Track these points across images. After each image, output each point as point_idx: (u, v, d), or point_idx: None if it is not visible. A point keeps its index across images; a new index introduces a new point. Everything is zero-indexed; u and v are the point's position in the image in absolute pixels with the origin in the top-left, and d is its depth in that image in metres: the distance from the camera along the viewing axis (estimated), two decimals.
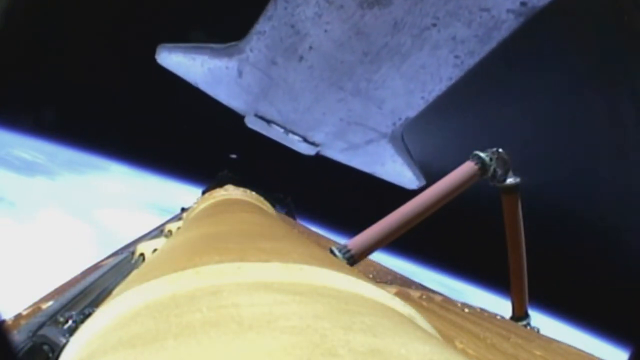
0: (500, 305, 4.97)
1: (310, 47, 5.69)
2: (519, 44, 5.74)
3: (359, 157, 7.24)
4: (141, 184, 13.30)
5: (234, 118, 8.41)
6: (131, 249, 2.98)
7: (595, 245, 7.67)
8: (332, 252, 3.56)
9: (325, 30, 5.47)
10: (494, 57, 5.44)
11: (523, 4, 4.79)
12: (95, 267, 3.44)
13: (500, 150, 4.27)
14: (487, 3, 4.89)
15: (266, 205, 4.58)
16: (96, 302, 1.88)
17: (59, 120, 10.16)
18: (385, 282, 4.59)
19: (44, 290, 3.37)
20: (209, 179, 7.58)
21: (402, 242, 4.00)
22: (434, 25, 5.15)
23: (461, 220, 7.01)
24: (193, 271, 1.05)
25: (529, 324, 4.68)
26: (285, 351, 0.66)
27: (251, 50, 6.09)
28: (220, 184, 6.11)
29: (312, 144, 7.12)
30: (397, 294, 1.24)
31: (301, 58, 5.85)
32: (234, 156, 9.16)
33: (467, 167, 4.16)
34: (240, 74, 6.41)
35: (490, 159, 4.20)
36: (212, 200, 4.15)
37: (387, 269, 5.79)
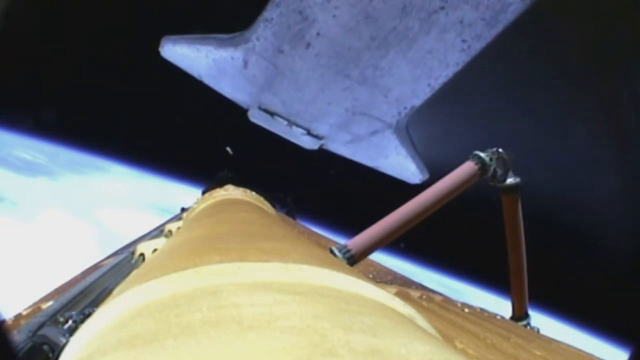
0: (501, 305, 4.98)
1: (318, 34, 5.66)
2: (520, 40, 5.77)
3: (362, 150, 7.18)
4: (142, 184, 13.34)
5: (234, 118, 8.42)
6: (131, 249, 2.98)
7: (595, 244, 7.68)
8: (332, 252, 3.56)
9: (334, 16, 5.43)
10: (496, 50, 5.46)
11: None
12: (95, 267, 3.44)
13: (500, 150, 4.27)
14: None
15: (266, 205, 4.57)
16: (96, 302, 1.88)
17: (59, 121, 10.16)
18: (385, 282, 4.59)
19: (44, 290, 3.38)
20: (209, 179, 7.58)
21: (402, 242, 4.00)
22: (442, 8, 5.13)
23: (461, 220, 7.00)
24: (193, 271, 1.05)
25: (529, 324, 4.68)
26: (285, 351, 0.66)
27: (257, 39, 6.05)
28: (220, 184, 6.10)
29: (316, 137, 7.06)
30: (397, 294, 1.24)
31: (308, 45, 5.82)
32: (229, 150, 9.14)
33: (467, 167, 4.16)
34: (245, 64, 6.38)
35: (490, 159, 4.20)
36: (212, 200, 4.15)
37: (387, 269, 5.79)
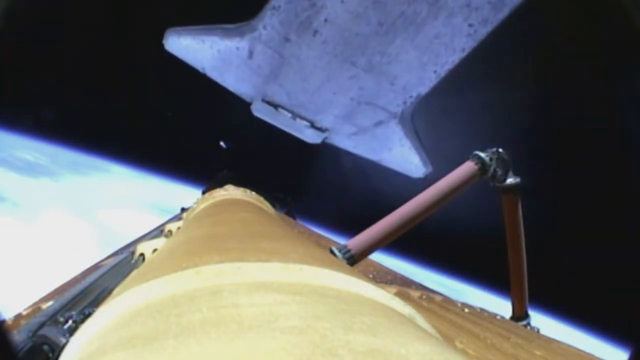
0: (501, 306, 4.98)
1: (326, 20, 5.66)
2: (523, 36, 5.77)
3: (366, 142, 7.15)
4: (142, 184, 13.39)
5: (235, 119, 8.42)
6: (131, 249, 2.98)
7: (594, 244, 7.67)
8: (332, 252, 3.56)
9: (342, 1, 5.44)
10: (497, 42, 5.48)
11: None
12: (95, 267, 3.43)
13: (500, 150, 4.26)
14: None
15: (266, 205, 4.57)
16: (96, 302, 1.88)
17: (60, 122, 10.18)
18: (385, 282, 4.59)
19: (44, 290, 3.38)
20: (209, 179, 7.57)
21: (402, 242, 3.99)
22: None
23: (461, 221, 7.00)
24: (193, 271, 1.05)
25: (529, 324, 4.68)
26: (286, 351, 0.66)
27: (264, 28, 6.04)
28: (220, 184, 6.09)
29: (319, 129, 7.03)
30: (397, 294, 1.24)
31: (315, 32, 5.81)
32: (223, 145, 9.12)
33: (467, 167, 4.15)
34: (251, 54, 6.36)
35: (490, 159, 4.19)
36: (212, 200, 4.15)
37: (387, 269, 5.79)
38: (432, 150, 7.17)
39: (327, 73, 6.24)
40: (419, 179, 7.25)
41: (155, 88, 9.05)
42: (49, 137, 11.79)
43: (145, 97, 9.27)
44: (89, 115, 10.03)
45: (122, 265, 2.69)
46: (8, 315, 2.60)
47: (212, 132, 9.68)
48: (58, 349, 1.31)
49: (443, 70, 5.96)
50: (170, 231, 3.42)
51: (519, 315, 4.69)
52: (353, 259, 3.60)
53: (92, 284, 2.18)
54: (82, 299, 1.94)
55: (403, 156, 7.14)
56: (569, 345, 3.52)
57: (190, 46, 6.63)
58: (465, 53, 5.73)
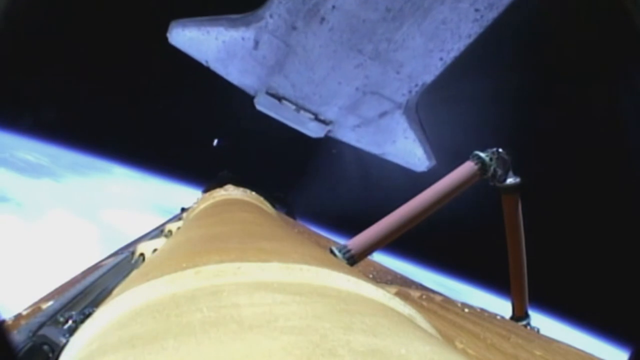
0: (501, 306, 4.97)
1: (333, 7, 5.64)
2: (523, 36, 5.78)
3: (370, 135, 7.11)
4: (144, 185, 13.44)
5: (235, 119, 8.42)
6: (131, 249, 2.98)
7: (594, 244, 7.67)
8: (332, 252, 3.56)
9: None
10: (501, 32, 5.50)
11: None
12: (95, 267, 3.43)
13: (500, 150, 4.26)
14: None
15: (266, 205, 4.57)
16: (96, 302, 1.87)
17: (61, 123, 10.19)
18: (385, 282, 4.59)
19: (45, 290, 3.38)
20: (209, 179, 7.57)
21: (402, 242, 3.99)
22: None
23: (461, 221, 6.99)
24: (193, 271, 1.05)
25: (529, 324, 4.67)
26: (286, 351, 0.66)
27: (271, 16, 6.01)
28: (220, 183, 6.09)
29: (323, 122, 7.00)
30: (397, 294, 1.24)
31: (323, 19, 5.78)
32: (216, 142, 9.11)
33: (467, 167, 4.15)
34: (256, 44, 6.32)
35: (490, 159, 4.19)
36: (212, 200, 4.15)
37: (387, 269, 5.79)
38: (435, 143, 7.14)
39: (333, 62, 6.23)
40: (420, 178, 7.23)
41: (156, 89, 9.05)
42: (49, 138, 11.83)
43: (145, 98, 9.28)
44: (90, 116, 10.04)
45: (122, 265, 2.69)
46: (8, 315, 2.60)
47: (212, 132, 9.68)
48: (58, 349, 1.31)
49: (449, 58, 5.96)
50: (170, 231, 3.42)
51: (519, 315, 4.68)
52: (353, 259, 3.60)
53: (92, 284, 2.18)
54: (82, 299, 1.95)
55: (406, 149, 7.11)
56: (569, 345, 3.51)
57: (194, 38, 6.59)
58: (471, 39, 5.73)
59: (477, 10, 5.43)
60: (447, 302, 3.84)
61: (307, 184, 8.94)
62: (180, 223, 3.69)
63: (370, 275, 4.59)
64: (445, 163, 7.04)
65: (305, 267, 1.10)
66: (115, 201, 14.32)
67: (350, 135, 7.26)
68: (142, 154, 11.34)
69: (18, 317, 2.58)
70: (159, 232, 3.91)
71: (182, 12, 6.93)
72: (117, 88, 9.12)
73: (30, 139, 11.97)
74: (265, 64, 6.53)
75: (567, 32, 6.33)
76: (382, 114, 6.78)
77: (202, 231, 2.14)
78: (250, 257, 1.15)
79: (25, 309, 2.76)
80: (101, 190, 14.23)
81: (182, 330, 0.77)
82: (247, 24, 6.26)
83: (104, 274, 2.43)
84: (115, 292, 1.30)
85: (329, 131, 7.18)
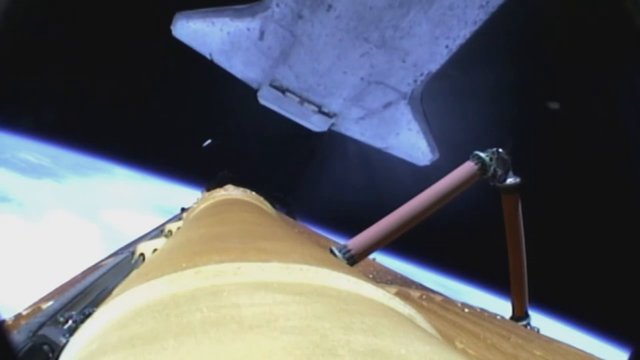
0: (501, 305, 4.97)
1: None
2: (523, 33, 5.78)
3: (373, 127, 7.08)
4: (145, 186, 13.49)
5: (234, 121, 8.41)
6: (131, 249, 2.98)
7: (595, 244, 7.68)
8: (332, 252, 3.56)
9: None
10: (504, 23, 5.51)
11: None
12: (95, 267, 3.43)
13: (500, 150, 4.26)
14: None
15: (266, 205, 4.57)
16: (96, 302, 1.87)
17: (62, 124, 10.20)
18: (385, 282, 4.59)
19: (45, 290, 3.38)
20: (209, 179, 7.57)
21: (402, 242, 3.99)
22: None
23: (461, 221, 6.99)
24: (193, 271, 1.05)
25: (529, 324, 4.67)
26: (286, 351, 0.66)
27: (277, 5, 6.00)
28: (220, 183, 6.09)
29: (327, 115, 6.98)
30: (397, 294, 1.24)
31: (329, 7, 5.78)
32: (207, 143, 9.09)
33: (467, 167, 4.15)
34: (262, 34, 6.31)
35: (490, 159, 4.19)
36: (212, 200, 4.15)
37: (387, 269, 5.78)
38: (438, 136, 7.12)
39: (338, 51, 6.23)
40: (420, 179, 7.21)
41: (157, 89, 9.05)
42: (50, 139, 11.86)
43: (145, 98, 9.27)
44: (90, 116, 10.04)
45: (122, 265, 2.69)
46: (8, 315, 2.60)
47: (212, 133, 9.68)
48: (58, 349, 1.31)
49: (454, 45, 5.97)
50: (170, 231, 3.42)
51: (519, 315, 4.68)
52: (353, 259, 3.60)
53: (92, 284, 2.18)
54: (82, 299, 1.94)
55: (410, 142, 7.09)
56: (569, 345, 3.51)
57: (199, 30, 6.56)
58: (477, 26, 5.75)
59: None
60: (447, 302, 3.84)
61: (307, 184, 8.95)
62: (180, 223, 3.69)
63: (370, 275, 4.59)
64: (447, 157, 7.04)
65: (305, 267, 1.10)
66: (116, 201, 14.37)
67: (353, 128, 7.23)
68: (143, 154, 11.36)
69: (18, 317, 2.58)
70: (159, 232, 3.90)
71: (184, 7, 6.90)
72: (117, 89, 9.12)
73: (31, 140, 12.02)
74: (270, 55, 6.52)
75: (567, 32, 6.33)
76: (387, 105, 6.77)
77: (202, 231, 2.14)
78: (250, 257, 1.15)
79: (25, 309, 2.76)
80: (102, 190, 14.29)
81: (182, 330, 0.77)
82: (253, 14, 6.25)
83: (104, 274, 2.43)
84: (115, 292, 1.30)
85: (333, 124, 7.16)
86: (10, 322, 2.38)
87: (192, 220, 3.36)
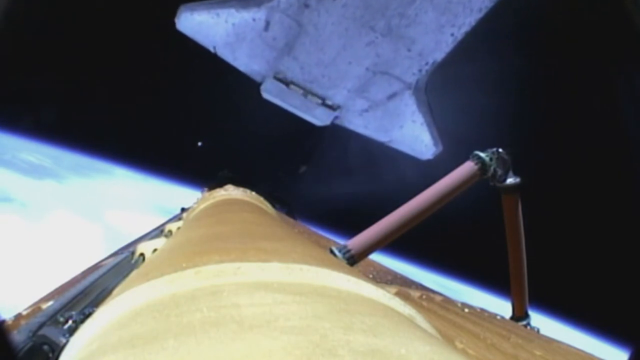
0: (501, 306, 4.97)
1: None
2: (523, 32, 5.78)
3: (377, 120, 7.06)
4: (146, 186, 13.55)
5: (235, 121, 8.41)
6: (131, 249, 2.98)
7: (595, 244, 7.68)
8: (332, 252, 3.56)
9: None
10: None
11: None
12: (95, 267, 3.43)
13: (500, 150, 4.26)
14: None
15: (266, 205, 4.57)
16: (96, 302, 1.87)
17: (63, 124, 10.21)
18: (385, 282, 4.59)
19: (46, 290, 3.39)
20: (209, 179, 7.57)
21: (402, 242, 3.99)
22: None
23: (461, 221, 6.98)
24: (193, 271, 1.05)
25: (529, 324, 4.67)
26: (286, 351, 0.66)
27: None
28: (220, 183, 6.09)
29: (331, 107, 6.96)
30: (397, 294, 1.24)
31: None
32: (200, 144, 9.09)
33: (467, 167, 4.15)
34: (267, 25, 6.30)
35: (490, 159, 4.19)
36: (212, 200, 4.15)
37: (387, 269, 5.79)
38: (441, 129, 7.11)
39: (344, 40, 6.23)
40: (421, 178, 7.19)
41: (157, 90, 9.05)
42: (50, 140, 11.91)
43: (145, 99, 9.28)
44: (90, 117, 10.05)
45: (122, 265, 2.69)
46: (8, 315, 2.60)
47: (212, 133, 9.69)
48: (58, 349, 1.31)
49: (460, 33, 5.99)
50: (170, 231, 3.42)
51: (519, 315, 4.68)
52: (353, 259, 3.60)
53: (92, 284, 2.18)
54: (82, 299, 1.94)
55: (413, 134, 7.08)
56: (569, 345, 3.52)
57: (203, 22, 6.53)
58: (482, 13, 5.77)
59: None
60: (447, 302, 3.84)
61: (307, 184, 8.95)
62: (180, 223, 3.69)
63: (370, 275, 4.59)
64: (450, 152, 7.04)
65: (305, 267, 1.10)
66: (117, 202, 14.44)
67: (357, 121, 7.21)
68: (142, 155, 11.38)
69: (18, 317, 2.59)
70: (159, 232, 3.91)
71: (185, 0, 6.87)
72: (117, 89, 9.13)
73: (31, 141, 12.07)
74: (275, 46, 6.52)
75: (567, 32, 6.33)
76: (391, 96, 6.77)
77: (202, 231, 2.14)
78: (250, 257, 1.15)
79: (25, 309, 2.76)
80: (103, 191, 14.37)
81: (182, 330, 0.77)
82: (258, 4, 6.25)
83: (104, 274, 2.43)
84: (115, 292, 1.30)
85: (336, 118, 7.15)
86: (10, 322, 2.38)
87: (192, 220, 3.36)
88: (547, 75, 7.03)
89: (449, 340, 2.36)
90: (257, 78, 6.99)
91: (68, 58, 8.68)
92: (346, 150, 8.23)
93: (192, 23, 6.60)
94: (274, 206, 5.25)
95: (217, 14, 6.47)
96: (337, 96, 6.90)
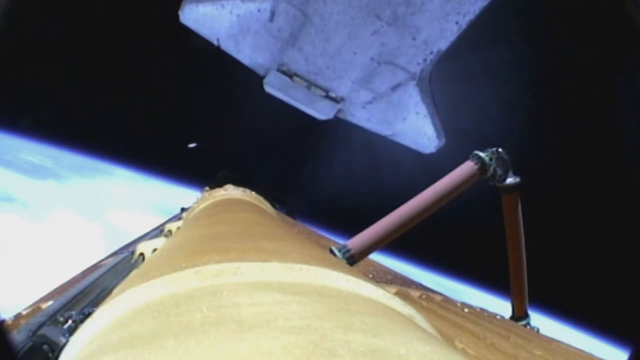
0: (501, 306, 4.97)
1: None
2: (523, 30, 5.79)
3: (381, 112, 7.04)
4: (146, 187, 13.60)
5: (235, 121, 8.41)
6: (131, 249, 2.98)
7: (595, 244, 7.67)
8: (332, 252, 3.56)
9: None
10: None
11: None
12: (95, 267, 3.43)
13: (500, 150, 4.26)
14: None
15: (266, 205, 4.57)
16: (96, 302, 1.87)
17: (63, 125, 10.23)
18: (385, 282, 4.59)
19: (46, 290, 3.39)
20: (209, 179, 7.56)
21: (402, 242, 3.99)
22: None
23: (461, 221, 6.98)
24: (193, 271, 1.05)
25: (529, 324, 4.67)
26: (286, 351, 0.66)
27: None
28: (220, 183, 6.09)
29: (334, 100, 6.92)
30: (397, 294, 1.24)
31: None
32: (193, 145, 9.08)
33: (467, 167, 4.15)
34: (272, 16, 6.29)
35: (490, 159, 4.19)
36: (212, 200, 4.15)
37: (387, 269, 5.79)
38: (444, 122, 7.10)
39: (350, 30, 6.22)
40: (422, 178, 7.18)
41: (157, 90, 9.06)
42: (51, 140, 11.95)
43: (145, 99, 9.28)
44: (90, 118, 10.06)
45: (122, 265, 2.68)
46: (8, 315, 2.60)
47: (212, 133, 9.69)
48: (58, 349, 1.31)
49: (464, 22, 6.01)
50: (170, 231, 3.42)
51: (519, 315, 4.68)
52: (353, 259, 3.60)
53: (92, 284, 2.18)
54: (82, 299, 1.94)
55: (417, 127, 7.06)
56: (569, 345, 3.52)
57: (208, 14, 6.51)
58: (487, 2, 5.80)
59: None
60: (447, 302, 3.84)
61: (307, 183, 8.95)
62: (180, 223, 3.69)
63: (370, 275, 4.59)
64: (453, 146, 7.04)
65: (305, 267, 1.10)
66: (117, 202, 14.49)
67: (360, 114, 7.19)
68: (142, 155, 11.39)
69: (18, 317, 2.59)
70: (159, 232, 3.90)
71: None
72: (117, 90, 9.13)
73: (32, 141, 12.13)
74: (280, 37, 6.50)
75: (567, 32, 6.33)
76: (395, 87, 6.77)
77: (202, 231, 2.14)
78: (250, 257, 1.15)
79: (25, 309, 2.76)
80: (103, 191, 14.43)
81: (182, 330, 0.77)
82: None
83: (104, 274, 2.43)
84: (115, 292, 1.30)
85: (339, 111, 7.13)
86: (10, 322, 2.38)
87: (192, 220, 3.36)
88: (547, 75, 7.03)
89: (449, 340, 2.36)
90: (261, 71, 6.96)
91: (68, 58, 8.68)
92: (348, 149, 8.23)
93: (196, 15, 6.58)
94: (274, 206, 5.24)
95: (222, 6, 6.45)
96: (341, 88, 6.88)
